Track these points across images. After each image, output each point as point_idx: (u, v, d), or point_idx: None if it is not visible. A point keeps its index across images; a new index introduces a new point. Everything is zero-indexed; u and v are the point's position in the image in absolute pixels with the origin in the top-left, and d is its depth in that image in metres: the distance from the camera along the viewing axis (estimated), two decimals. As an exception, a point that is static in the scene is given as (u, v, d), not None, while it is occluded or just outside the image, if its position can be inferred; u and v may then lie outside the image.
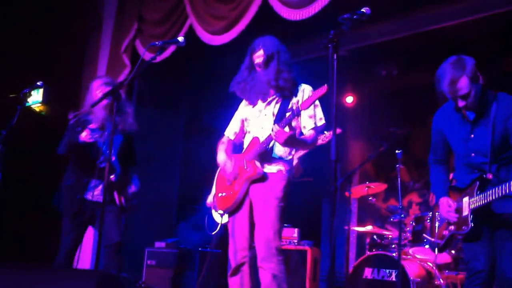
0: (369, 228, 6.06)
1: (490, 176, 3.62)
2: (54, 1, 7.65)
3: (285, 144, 3.80)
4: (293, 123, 3.94)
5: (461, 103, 3.61)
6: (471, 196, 3.66)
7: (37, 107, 7.61)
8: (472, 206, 3.64)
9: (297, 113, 3.75)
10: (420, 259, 5.58)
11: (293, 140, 3.81)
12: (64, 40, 7.67)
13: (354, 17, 3.05)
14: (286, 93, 3.98)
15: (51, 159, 5.10)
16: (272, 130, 3.77)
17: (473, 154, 3.70)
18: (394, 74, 7.68)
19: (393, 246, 5.76)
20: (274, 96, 4.05)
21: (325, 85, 3.59)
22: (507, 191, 3.42)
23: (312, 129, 3.99)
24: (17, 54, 7.42)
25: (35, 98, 7.55)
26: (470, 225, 3.62)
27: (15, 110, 4.88)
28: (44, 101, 7.57)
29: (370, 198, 6.37)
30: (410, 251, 5.67)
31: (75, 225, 4.63)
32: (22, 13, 7.55)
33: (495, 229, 3.65)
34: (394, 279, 5.33)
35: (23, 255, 6.75)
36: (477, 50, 6.52)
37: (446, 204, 3.79)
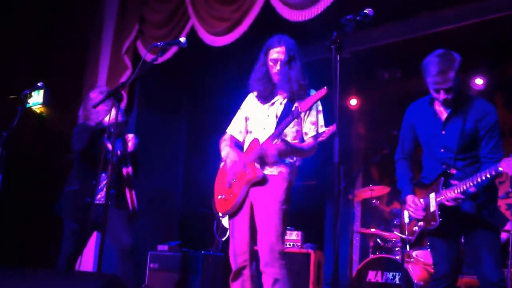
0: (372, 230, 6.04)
1: (453, 171, 3.69)
2: (55, 3, 7.65)
3: (279, 157, 3.81)
4: (295, 127, 3.92)
5: (443, 96, 3.65)
6: (436, 192, 3.72)
7: (38, 109, 7.58)
8: (438, 202, 3.70)
9: (297, 115, 3.72)
10: (423, 262, 5.55)
11: (286, 151, 3.84)
12: (65, 41, 7.67)
13: (357, 18, 3.03)
14: (297, 96, 3.91)
15: (52, 160, 5.11)
16: (263, 149, 3.78)
17: (442, 150, 3.78)
18: (397, 77, 7.66)
19: (397, 249, 5.74)
20: (278, 97, 4.02)
21: (325, 87, 3.58)
22: (466, 188, 3.53)
23: (312, 137, 3.97)
24: (19, 56, 7.42)
25: (36, 100, 7.52)
26: (438, 221, 3.68)
27: (16, 111, 4.87)
28: (45, 103, 7.55)
29: (374, 201, 6.35)
30: (414, 254, 5.64)
31: (80, 230, 4.56)
32: (23, 15, 7.55)
33: (465, 228, 3.73)
34: (397, 282, 5.30)
35: (23, 259, 6.72)
36: (480, 53, 6.52)
37: (412, 203, 3.84)
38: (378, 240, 6.02)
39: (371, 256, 5.85)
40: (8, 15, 7.36)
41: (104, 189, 4.62)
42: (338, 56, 2.94)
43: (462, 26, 5.90)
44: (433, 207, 3.73)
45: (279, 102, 4.01)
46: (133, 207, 4.68)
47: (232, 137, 4.19)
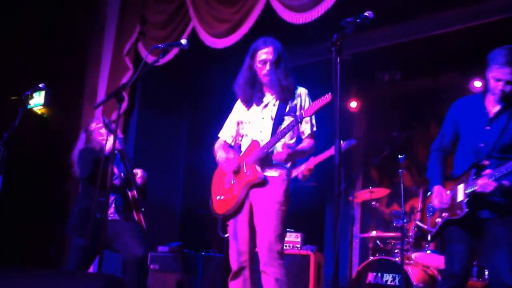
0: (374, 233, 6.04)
1: (486, 162, 3.66)
2: (56, 4, 7.66)
3: (286, 161, 3.87)
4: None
5: (502, 87, 3.65)
6: (466, 183, 3.70)
7: (39, 110, 7.59)
8: (467, 191, 3.67)
9: (300, 120, 3.75)
10: (422, 264, 5.56)
11: (292, 155, 3.87)
12: (67, 42, 7.68)
13: (357, 20, 3.03)
14: (287, 96, 3.95)
15: (53, 161, 5.11)
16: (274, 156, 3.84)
17: (482, 144, 3.75)
18: (397, 79, 7.67)
19: (396, 251, 5.75)
20: (271, 99, 4.03)
21: (329, 93, 3.57)
22: (500, 174, 3.50)
23: (309, 135, 4.00)
24: (20, 57, 7.43)
25: (37, 101, 7.52)
26: (464, 210, 3.65)
27: (17, 112, 4.87)
28: (46, 104, 7.55)
29: (373, 202, 6.35)
30: (413, 256, 5.65)
31: (88, 247, 4.46)
32: (24, 16, 7.57)
33: (487, 224, 3.66)
34: (397, 284, 5.31)
35: (23, 259, 6.72)
36: (479, 56, 6.52)
37: (437, 192, 3.83)
38: (378, 241, 6.03)
39: (371, 257, 5.86)
40: (9, 16, 7.37)
41: (113, 204, 4.63)
42: (338, 58, 2.95)
43: (462, 29, 5.90)
44: (460, 197, 3.70)
45: (272, 104, 4.02)
46: (142, 230, 4.66)
47: (225, 142, 4.22)
